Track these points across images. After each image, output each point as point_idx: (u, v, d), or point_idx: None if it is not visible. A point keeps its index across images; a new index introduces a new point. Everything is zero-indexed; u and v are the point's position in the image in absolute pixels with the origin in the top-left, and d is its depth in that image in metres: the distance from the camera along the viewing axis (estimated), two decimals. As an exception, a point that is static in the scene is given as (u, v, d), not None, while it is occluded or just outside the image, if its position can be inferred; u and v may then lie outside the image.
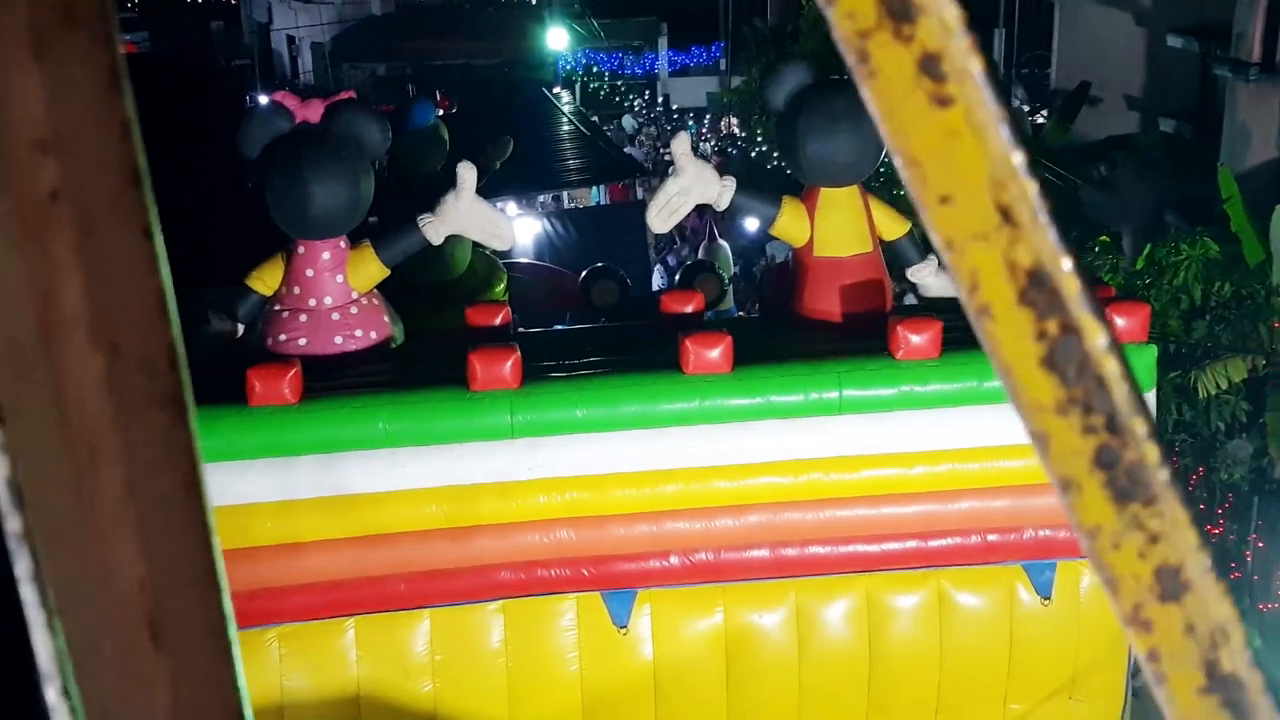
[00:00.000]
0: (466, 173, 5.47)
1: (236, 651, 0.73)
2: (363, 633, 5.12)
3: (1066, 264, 0.72)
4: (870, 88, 0.70)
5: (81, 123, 0.67)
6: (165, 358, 0.69)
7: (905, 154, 0.72)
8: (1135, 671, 8.21)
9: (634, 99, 29.73)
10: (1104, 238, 10.60)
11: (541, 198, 17.56)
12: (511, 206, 15.40)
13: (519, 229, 14.44)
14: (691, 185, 5.44)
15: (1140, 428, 0.72)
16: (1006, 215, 0.71)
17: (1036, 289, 0.72)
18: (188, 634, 0.71)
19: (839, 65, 5.73)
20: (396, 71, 31.03)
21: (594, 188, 18.17)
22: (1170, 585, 0.74)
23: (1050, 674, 5.47)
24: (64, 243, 0.67)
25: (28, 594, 0.68)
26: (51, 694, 0.69)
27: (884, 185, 13.76)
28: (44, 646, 0.68)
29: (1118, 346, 0.73)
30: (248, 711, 0.74)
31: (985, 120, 0.70)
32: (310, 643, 5.10)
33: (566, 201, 18.40)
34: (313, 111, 5.46)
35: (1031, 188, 0.71)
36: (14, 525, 0.68)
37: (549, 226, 14.89)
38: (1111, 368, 0.72)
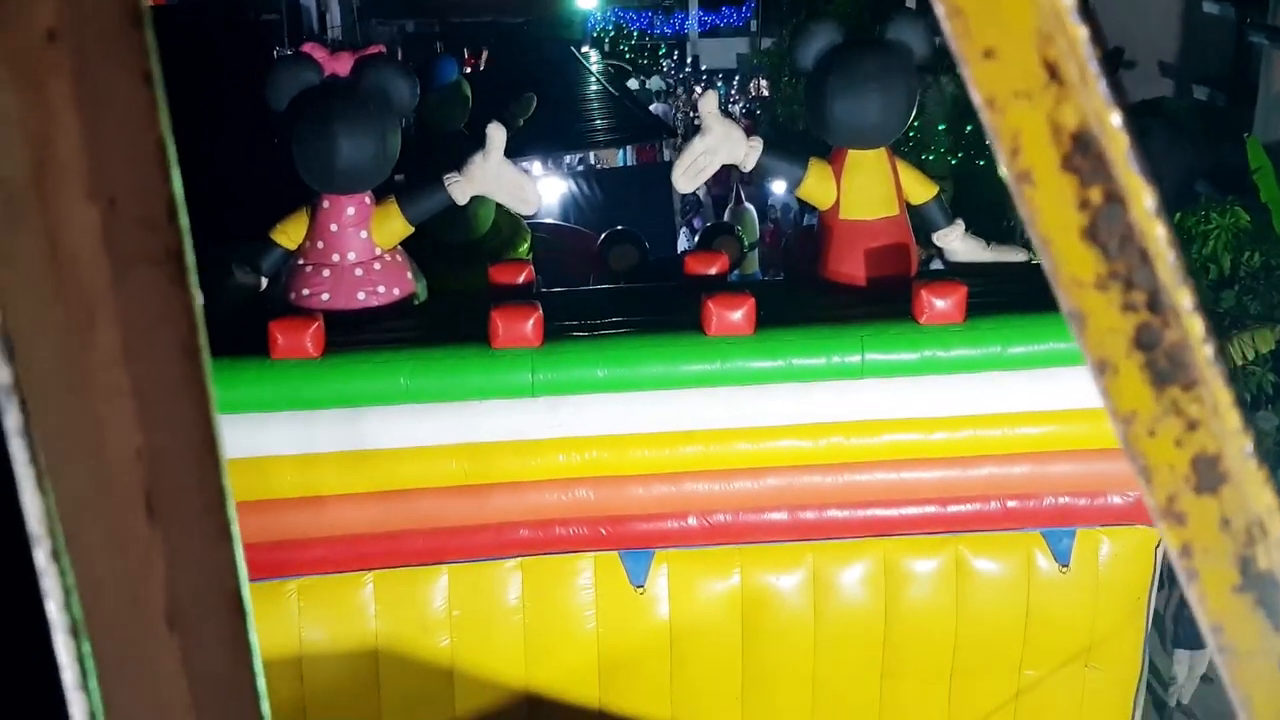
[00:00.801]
0: (496, 134, 5.45)
1: (235, 529, 0.70)
2: (381, 587, 5.16)
3: (1115, 119, 0.68)
4: None
5: None
6: (164, 212, 0.66)
7: (948, 3, 0.68)
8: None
9: (662, 61, 29.57)
10: (1133, 206, 10.51)
11: (568, 158, 17.50)
12: (537, 166, 15.36)
13: (544, 189, 14.43)
14: (718, 145, 5.41)
15: (1185, 301, 0.69)
16: (1053, 72, 0.67)
17: (1081, 154, 0.68)
18: (185, 507, 0.68)
19: (869, 25, 5.67)
20: (425, 28, 30.94)
21: (620, 149, 18.09)
22: (1207, 476, 0.71)
23: (1066, 641, 5.47)
24: (61, 85, 0.64)
25: (16, 450, 0.66)
26: (41, 556, 0.66)
27: (913, 149, 13.67)
28: (33, 506, 0.66)
29: (1163, 217, 0.68)
30: (245, 591, 0.71)
31: None
32: (329, 596, 5.13)
33: (593, 162, 18.34)
34: (341, 65, 5.45)
35: (1081, 35, 0.67)
36: (3, 377, 0.65)
37: (574, 187, 14.85)
38: (1158, 234, 0.68)
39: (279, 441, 4.94)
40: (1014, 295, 5.32)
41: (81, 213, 0.65)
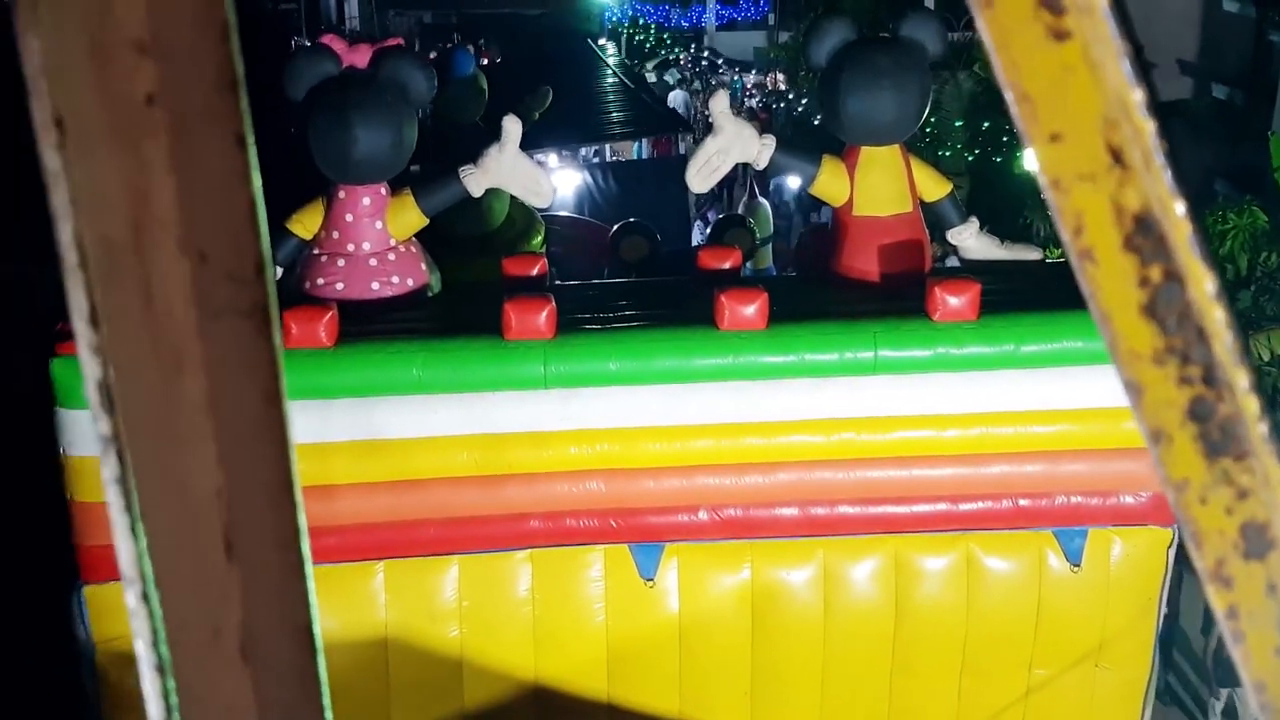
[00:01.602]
0: (512, 126, 5.46)
1: (308, 566, 0.73)
2: (392, 576, 5.18)
3: (1179, 208, 0.70)
4: (985, 18, 0.69)
5: (180, 25, 0.67)
6: (252, 267, 0.69)
7: (1017, 89, 0.70)
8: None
9: (679, 52, 29.54)
10: (1150, 205, 10.47)
11: (584, 150, 17.50)
12: (553, 159, 15.37)
13: (560, 181, 14.43)
14: (731, 144, 5.42)
15: (1241, 380, 0.71)
16: (1117, 156, 0.70)
17: (1142, 234, 0.70)
18: (260, 545, 0.72)
19: (883, 21, 5.65)
20: (442, 19, 31.00)
21: (636, 141, 18.09)
22: (1255, 543, 0.73)
23: (1077, 641, 5.46)
24: (158, 146, 0.67)
25: (113, 498, 0.69)
26: (132, 598, 0.69)
27: (929, 146, 13.64)
28: (126, 551, 0.69)
29: (1224, 295, 0.71)
30: (316, 626, 0.74)
31: (1103, 55, 0.69)
32: (340, 584, 5.15)
33: (609, 154, 18.34)
34: (359, 57, 5.47)
35: (1148, 128, 0.70)
36: (104, 428, 0.68)
37: (590, 179, 14.86)
38: (1216, 316, 0.71)
39: (292, 431, 4.95)
40: (1028, 293, 5.32)
41: (174, 267, 0.68)
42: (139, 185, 0.67)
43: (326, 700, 0.75)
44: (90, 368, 0.68)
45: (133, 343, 0.68)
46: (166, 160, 0.68)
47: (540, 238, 8.46)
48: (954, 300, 5.05)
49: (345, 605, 5.17)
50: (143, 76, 0.67)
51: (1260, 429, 0.72)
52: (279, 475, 0.72)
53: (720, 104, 5.52)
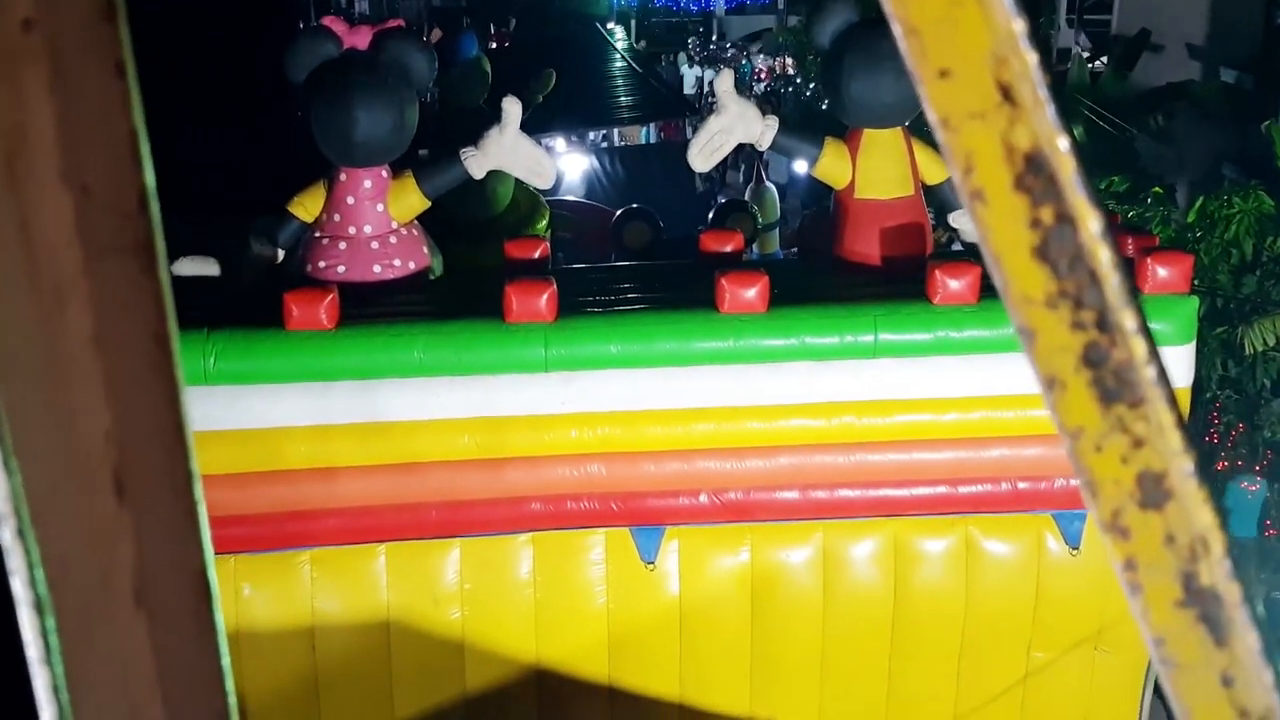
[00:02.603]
0: (512, 108, 5.46)
1: (202, 510, 0.71)
2: (394, 559, 5.19)
3: (1063, 143, 0.69)
4: None
5: None
6: (136, 201, 0.67)
7: (905, 22, 0.69)
8: None
9: (689, 38, 29.46)
10: (1157, 189, 10.44)
11: (592, 134, 17.48)
12: (560, 143, 15.36)
13: (567, 165, 14.43)
14: (734, 124, 5.41)
15: (1130, 322, 0.70)
16: (1007, 93, 0.68)
17: (1033, 174, 0.69)
18: (153, 488, 0.70)
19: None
20: (452, 2, 30.91)
21: (644, 126, 18.07)
22: (1152, 492, 0.72)
23: (1076, 624, 5.47)
24: (36, 75, 0.65)
25: None
26: (6, 534, 0.67)
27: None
28: (0, 485, 0.67)
29: (1111, 235, 0.70)
30: (212, 570, 0.72)
31: None
32: (342, 567, 5.17)
33: (617, 139, 18.32)
34: (361, 39, 5.47)
35: (1032, 60, 0.68)
36: None
37: (598, 164, 14.85)
38: (1104, 258, 0.69)
39: (294, 413, 4.98)
40: (1029, 277, 5.30)
41: (54, 200, 0.66)
42: (15, 115, 0.65)
43: (224, 646, 0.73)
44: None
45: (9, 279, 0.66)
46: (44, 89, 0.65)
47: (545, 222, 8.46)
48: (954, 283, 5.05)
49: (347, 588, 5.19)
50: (19, 1, 0.64)
51: (1149, 372, 0.70)
52: (170, 416, 0.70)
53: (725, 84, 5.51)
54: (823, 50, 5.59)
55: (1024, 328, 0.72)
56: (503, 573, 5.26)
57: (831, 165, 5.58)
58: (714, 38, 30.36)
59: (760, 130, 5.45)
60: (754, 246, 10.35)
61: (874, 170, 5.55)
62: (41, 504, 0.68)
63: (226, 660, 0.73)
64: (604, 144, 17.69)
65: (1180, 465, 0.71)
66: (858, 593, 5.38)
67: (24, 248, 0.66)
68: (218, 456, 5.00)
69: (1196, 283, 9.26)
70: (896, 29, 0.69)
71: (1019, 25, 0.67)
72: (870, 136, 5.55)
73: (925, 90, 0.69)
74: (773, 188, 13.80)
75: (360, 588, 5.20)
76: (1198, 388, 9.51)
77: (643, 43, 24.77)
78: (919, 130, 5.63)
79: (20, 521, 0.68)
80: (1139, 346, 0.70)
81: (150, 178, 0.68)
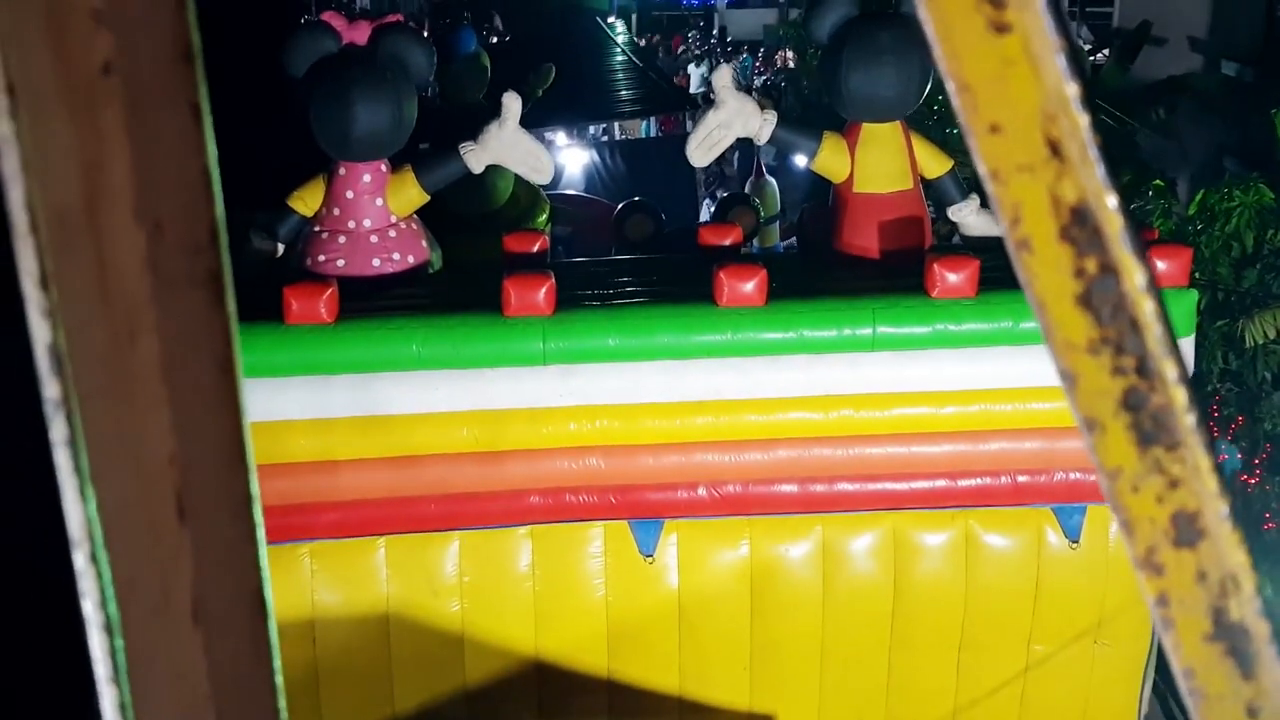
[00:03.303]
0: (512, 103, 5.47)
1: (260, 532, 0.74)
2: (393, 552, 5.21)
3: (1111, 201, 0.72)
4: (928, 8, 0.70)
5: None
6: (206, 236, 0.70)
7: (958, 79, 0.71)
8: None
9: (688, 32, 29.44)
10: (1158, 182, 10.43)
11: (593, 129, 17.47)
12: (561, 137, 15.36)
13: (568, 159, 14.43)
14: (732, 119, 5.41)
15: (1171, 371, 0.73)
16: (1055, 149, 0.71)
17: (1079, 226, 0.72)
18: (213, 510, 0.73)
19: (885, -1, 5.62)
20: (453, -3, 30.87)
21: (644, 120, 18.06)
22: (1186, 531, 0.75)
23: (1076, 617, 5.48)
24: (113, 116, 0.68)
25: (61, 460, 0.69)
26: (80, 559, 0.70)
27: (938, 124, 13.57)
28: (75, 513, 0.70)
29: (1155, 287, 0.72)
30: (268, 590, 0.75)
31: (1042, 50, 0.70)
32: (342, 560, 5.19)
33: (618, 133, 18.30)
34: (359, 34, 5.47)
35: (1083, 121, 0.71)
36: (52, 391, 0.69)
37: (599, 157, 14.84)
38: (1147, 309, 0.72)
39: (293, 406, 4.99)
40: (1027, 270, 5.31)
41: (129, 236, 0.69)
42: (93, 154, 0.68)
43: (277, 664, 0.76)
44: (40, 331, 0.69)
45: (85, 308, 0.69)
46: (121, 130, 0.68)
47: (545, 216, 8.46)
48: (953, 277, 5.05)
49: (347, 580, 5.21)
50: (99, 45, 0.67)
51: (1188, 420, 0.73)
52: (232, 443, 0.73)
53: (723, 78, 5.52)
54: (821, 45, 5.59)
55: (1066, 371, 0.74)
56: (502, 565, 5.28)
57: (830, 159, 5.59)
58: (714, 33, 30.35)
59: (759, 125, 5.46)
60: (755, 240, 10.34)
61: (872, 164, 5.55)
62: (111, 529, 0.71)
63: (279, 678, 0.77)
64: (604, 138, 17.68)
65: (1215, 507, 0.75)
66: (857, 586, 5.39)
67: (99, 281, 0.69)
68: (217, 450, 5.01)
69: (1197, 275, 9.29)
70: (950, 86, 0.72)
71: (1071, 89, 0.70)
72: (869, 130, 5.55)
73: (976, 144, 0.72)
74: (773, 182, 13.79)
75: (360, 580, 5.22)
76: (1199, 381, 9.51)
77: (652, 37, 24.78)
78: (918, 124, 5.64)
79: (93, 547, 0.70)
80: (1179, 395, 0.73)
81: (220, 213, 0.71)
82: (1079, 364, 0.74)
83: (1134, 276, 0.72)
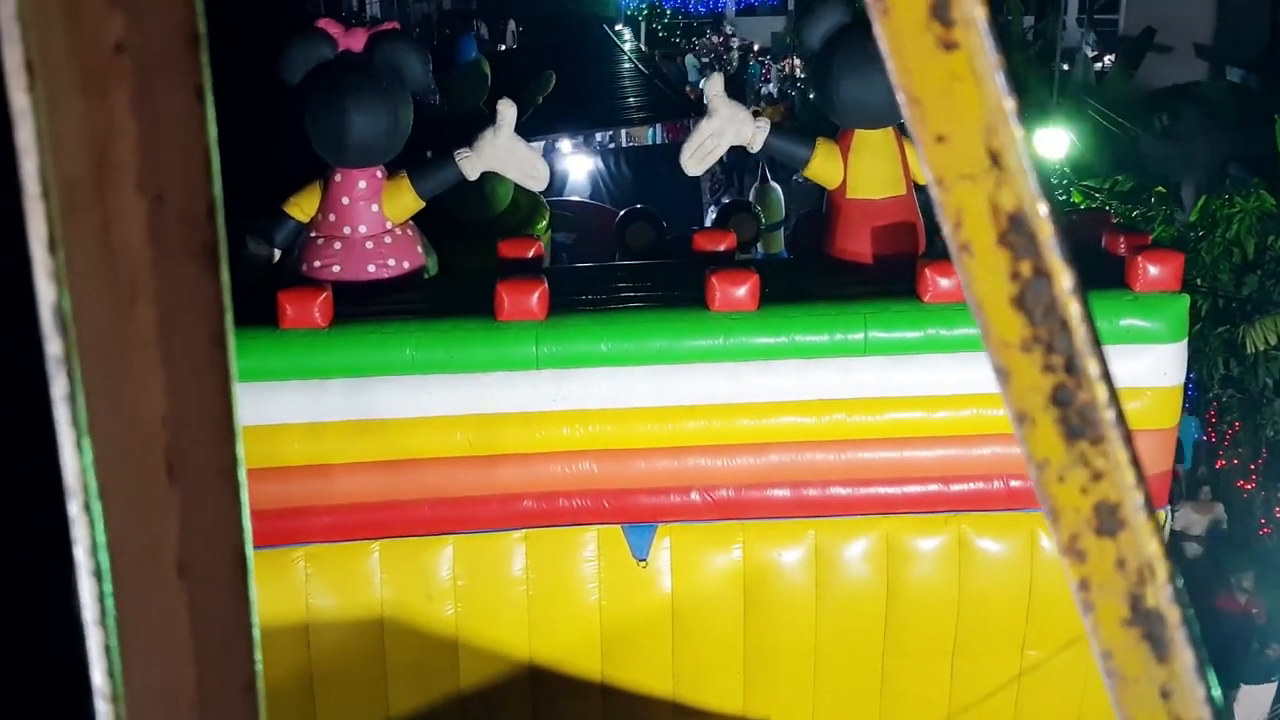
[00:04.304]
0: (507, 110, 5.50)
1: (244, 494, 0.78)
2: (387, 556, 5.23)
3: (1043, 209, 0.76)
4: (883, 25, 0.75)
5: None
6: (205, 211, 0.74)
7: (909, 92, 0.75)
8: None
9: (695, 41, 29.48)
10: (1160, 188, 10.43)
11: (599, 136, 17.52)
12: (566, 144, 15.40)
13: (573, 166, 14.46)
14: (725, 127, 5.44)
15: (1094, 369, 0.77)
16: (996, 159, 0.75)
17: (1015, 232, 0.76)
18: (200, 471, 0.76)
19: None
20: (462, 5, 31.01)
21: (650, 127, 18.10)
22: (1107, 520, 0.79)
23: (1069, 622, 5.47)
24: (123, 94, 0.72)
25: (61, 414, 0.73)
26: (74, 507, 0.74)
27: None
28: (71, 463, 0.74)
29: (1082, 291, 0.76)
30: (249, 548, 0.79)
31: (985, 67, 0.74)
32: (336, 563, 5.21)
33: (625, 140, 18.34)
34: (355, 41, 5.51)
35: (1019, 134, 0.75)
36: (55, 349, 0.73)
37: (605, 164, 14.87)
38: (1075, 310, 0.76)
39: (288, 410, 5.02)
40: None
41: (132, 206, 0.73)
42: (102, 128, 0.72)
43: (255, 618, 0.80)
44: (45, 291, 0.72)
45: (89, 272, 0.73)
46: (129, 107, 0.72)
47: (545, 222, 8.48)
48: (945, 282, 5.07)
49: (341, 584, 5.23)
50: (112, 26, 0.71)
51: (1109, 415, 0.77)
52: (221, 408, 0.77)
53: (715, 87, 5.54)
54: (814, 51, 5.61)
55: (1000, 368, 0.79)
56: (496, 569, 5.30)
57: (823, 166, 5.61)
58: (734, 45, 30.38)
59: (751, 133, 5.48)
60: (759, 246, 10.36)
61: (865, 170, 5.57)
62: (104, 482, 0.75)
63: (257, 631, 0.81)
64: (611, 145, 17.72)
65: (1133, 498, 0.78)
66: (850, 591, 5.40)
67: (103, 247, 0.73)
68: (212, 454, 5.04)
69: (1199, 282, 9.28)
70: (901, 98, 0.76)
71: (1009, 104, 0.74)
72: (861, 137, 5.57)
73: (924, 152, 0.76)
74: (777, 187, 13.79)
75: (354, 584, 5.24)
76: (1200, 388, 9.50)
77: (656, 53, 24.85)
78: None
79: (86, 496, 0.74)
80: (1101, 391, 0.77)
81: (219, 189, 0.75)
82: (1013, 361, 0.78)
83: (1063, 280, 0.76)
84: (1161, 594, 0.79)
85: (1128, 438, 0.78)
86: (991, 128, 0.74)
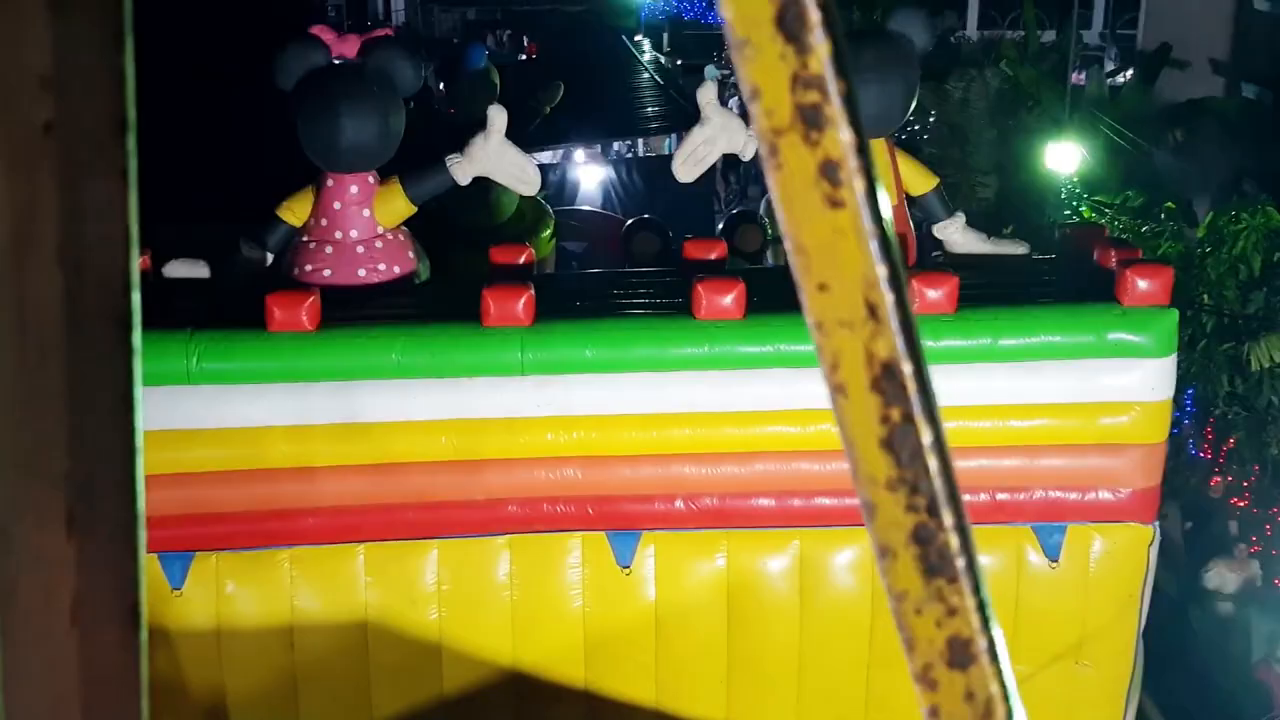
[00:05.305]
0: (497, 115, 5.53)
1: (142, 551, 0.81)
2: (372, 559, 5.25)
3: (909, 367, 0.82)
4: (776, 179, 0.80)
5: (81, 65, 0.75)
6: (121, 283, 0.78)
7: (796, 241, 0.81)
8: None
9: (716, 54, 29.51)
10: (1169, 203, 10.39)
11: (616, 145, 17.57)
12: (580, 154, 15.44)
13: (585, 176, 14.50)
14: (717, 135, 5.45)
15: (949, 519, 0.83)
16: (873, 311, 0.81)
17: (887, 379, 0.81)
18: (99, 527, 0.79)
19: (864, 15, 5.66)
20: (486, 15, 31.19)
21: (667, 137, 18.13)
22: (959, 655, 0.84)
23: (1056, 638, 5.45)
24: (48, 172, 0.76)
25: None
26: None
27: (955, 141, 13.56)
28: None
29: (943, 443, 0.82)
30: (143, 604, 0.82)
31: (867, 227, 0.80)
32: (321, 566, 5.23)
33: (641, 150, 18.37)
34: (348, 47, 5.55)
35: (894, 298, 0.81)
36: None
37: (616, 175, 14.90)
38: (936, 462, 0.82)
39: (274, 413, 5.05)
40: (1007, 287, 5.31)
41: (49, 274, 0.77)
42: (25, 203, 0.76)
43: (144, 671, 0.83)
44: None
45: (2, 331, 0.76)
46: (54, 185, 0.76)
47: (550, 230, 8.51)
48: (931, 293, 5.06)
49: (326, 587, 5.25)
50: (42, 108, 0.75)
51: (961, 562, 0.83)
52: (124, 468, 0.80)
53: (707, 95, 5.56)
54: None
55: (867, 502, 0.84)
56: (480, 575, 5.31)
57: (814, 175, 5.60)
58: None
59: (744, 141, 5.49)
60: (769, 256, 10.36)
61: (856, 180, 5.56)
62: (3, 529, 0.78)
63: (145, 683, 0.83)
64: (629, 154, 17.76)
65: (983, 640, 0.84)
66: (835, 601, 5.38)
67: (17, 311, 0.77)
68: (200, 455, 5.08)
69: (1205, 299, 9.23)
70: (787, 245, 0.82)
71: (882, 270, 0.80)
72: (853, 147, 5.56)
73: (805, 299, 0.82)
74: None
75: (339, 587, 5.26)
76: (1204, 404, 9.44)
77: (679, 61, 24.88)
78: (903, 143, 5.65)
79: None
80: (954, 540, 0.83)
81: (136, 268, 0.78)
82: (879, 497, 0.83)
83: (926, 434, 0.81)
84: None
85: (977, 583, 0.84)
86: (870, 281, 0.79)
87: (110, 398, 0.78)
